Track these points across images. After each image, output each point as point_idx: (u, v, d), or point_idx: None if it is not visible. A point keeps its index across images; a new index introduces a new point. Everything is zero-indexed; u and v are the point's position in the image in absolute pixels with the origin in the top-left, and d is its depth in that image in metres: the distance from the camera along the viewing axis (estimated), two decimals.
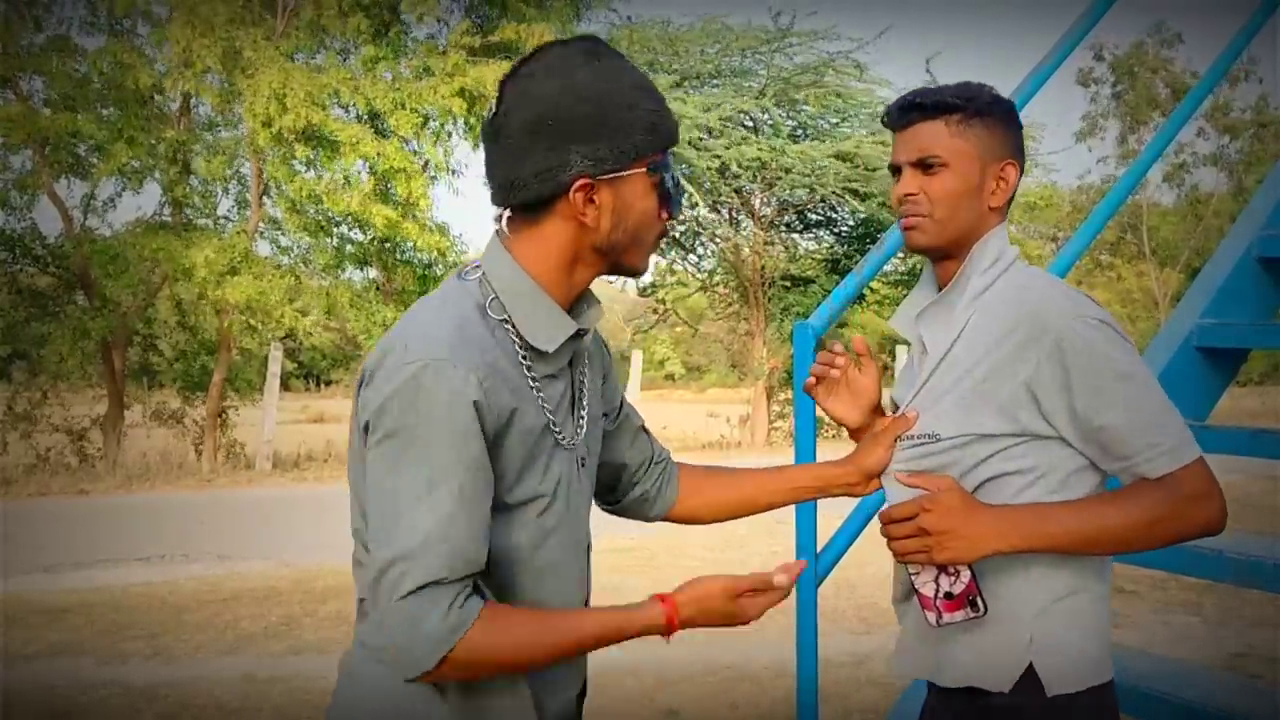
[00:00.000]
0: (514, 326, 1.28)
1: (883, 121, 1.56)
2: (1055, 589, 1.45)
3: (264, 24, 12.82)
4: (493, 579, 1.29)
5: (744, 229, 17.96)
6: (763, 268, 17.69)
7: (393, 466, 1.19)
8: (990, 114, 1.49)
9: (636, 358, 18.14)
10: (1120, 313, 29.61)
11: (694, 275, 19.23)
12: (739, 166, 15.56)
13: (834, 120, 16.74)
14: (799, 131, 16.50)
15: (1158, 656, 2.51)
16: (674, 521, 1.67)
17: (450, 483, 1.18)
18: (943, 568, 1.40)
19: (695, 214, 17.18)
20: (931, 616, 1.43)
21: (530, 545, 1.31)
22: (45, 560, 7.47)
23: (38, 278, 14.03)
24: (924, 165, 1.48)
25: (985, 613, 1.40)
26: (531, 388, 1.29)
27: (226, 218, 14.84)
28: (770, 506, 1.64)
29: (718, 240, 18.30)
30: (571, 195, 1.25)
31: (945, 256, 1.53)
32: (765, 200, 17.27)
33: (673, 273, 19.72)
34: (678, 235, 18.23)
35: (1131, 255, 30.12)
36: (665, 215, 1.32)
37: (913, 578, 1.44)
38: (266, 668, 4.83)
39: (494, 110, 1.27)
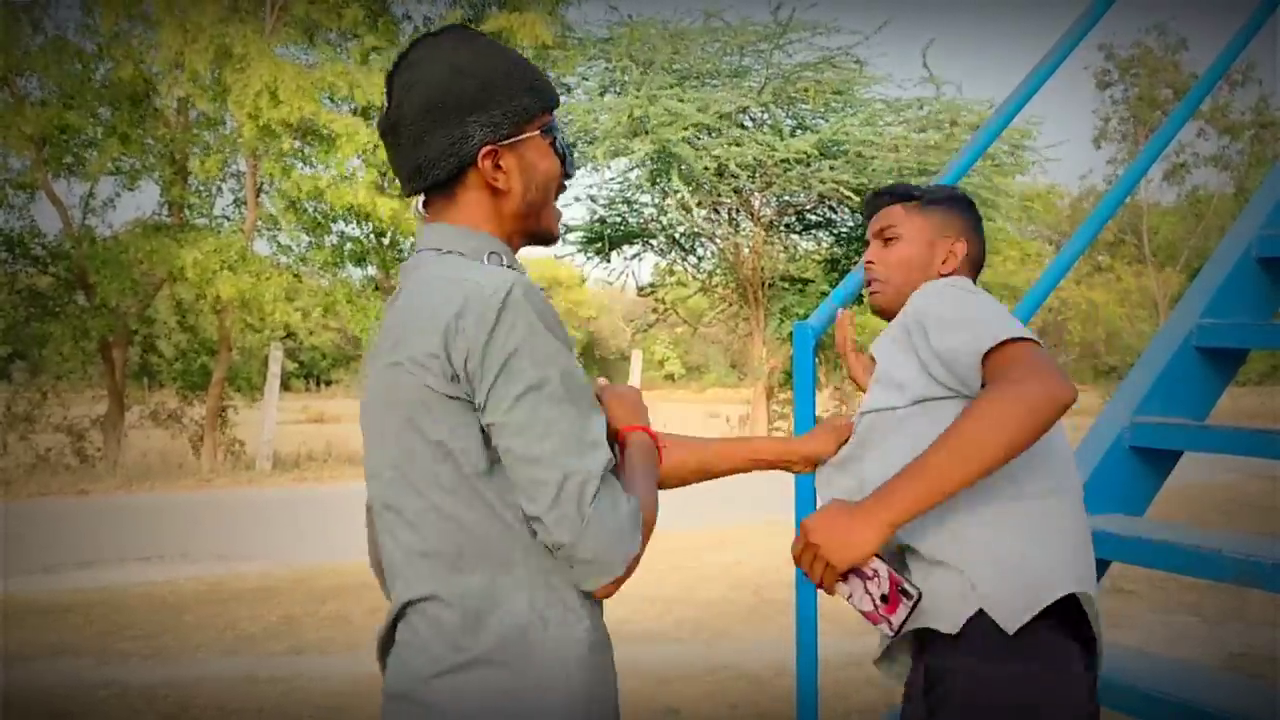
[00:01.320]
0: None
1: (861, 212, 1.90)
2: (979, 532, 1.51)
3: (254, 21, 12.81)
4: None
5: (743, 229, 17.98)
6: (762, 268, 17.70)
7: (533, 391, 1.21)
8: (944, 204, 1.77)
9: (636, 357, 18.11)
10: (1120, 313, 29.60)
11: (693, 275, 19.25)
12: (737, 166, 15.57)
13: (832, 120, 16.76)
14: (798, 131, 16.51)
15: (1157, 656, 2.51)
16: None
17: (579, 386, 1.25)
18: (861, 575, 1.46)
19: (694, 214, 17.19)
20: (885, 628, 1.47)
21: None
22: (45, 560, 7.47)
23: (37, 278, 14.04)
24: (884, 238, 1.78)
25: (919, 595, 1.44)
26: None
27: (225, 217, 14.85)
28: (730, 473, 1.72)
29: (717, 241, 18.31)
30: (480, 163, 1.32)
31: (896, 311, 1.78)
32: (764, 201, 17.28)
33: (672, 273, 19.74)
34: (677, 236, 18.25)
35: (1131, 256, 30.13)
36: (564, 174, 1.40)
37: (851, 603, 1.49)
38: (266, 668, 4.83)
39: (386, 106, 1.34)
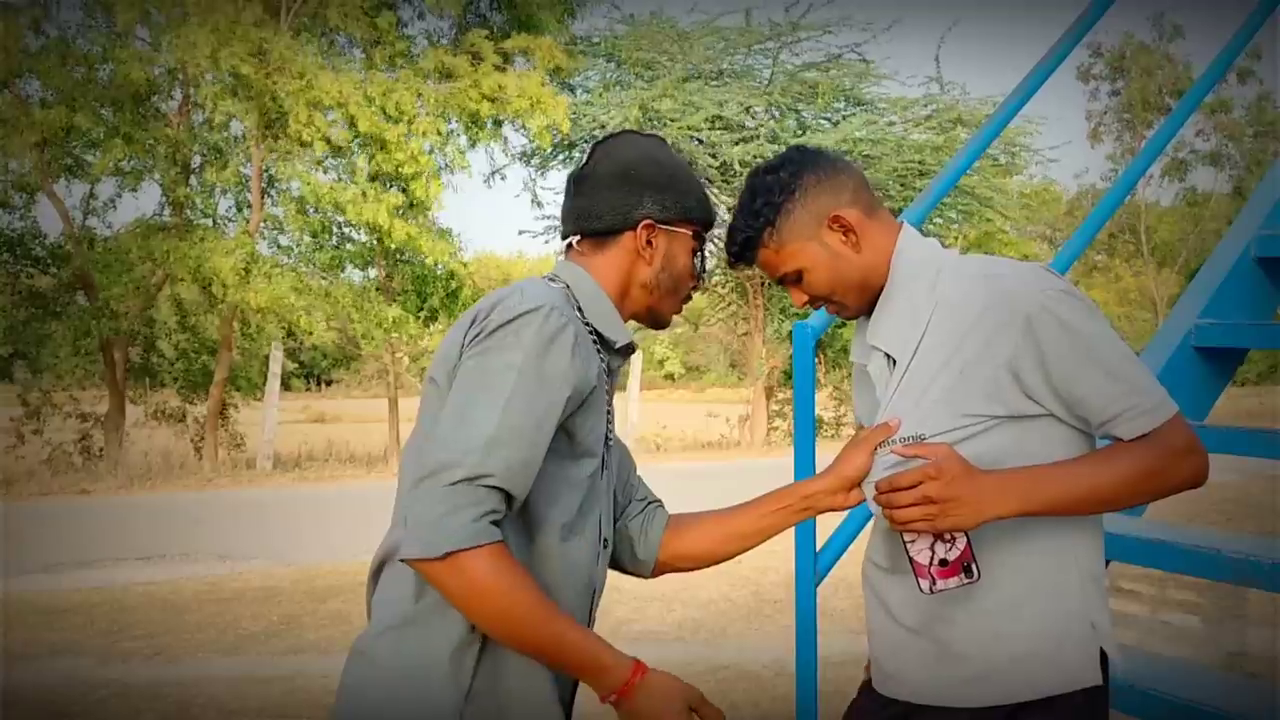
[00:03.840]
0: (595, 329, 1.48)
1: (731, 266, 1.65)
2: (1092, 565, 1.48)
3: (267, 25, 12.81)
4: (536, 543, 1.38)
5: None
6: None
7: (479, 374, 1.32)
8: (783, 207, 1.51)
9: (636, 357, 18.13)
10: (1118, 312, 29.61)
11: None
12: (740, 165, 15.57)
13: (836, 120, 16.76)
14: (802, 131, 16.51)
15: (1156, 655, 2.52)
16: (665, 570, 1.68)
17: (526, 403, 1.30)
18: (939, 534, 1.40)
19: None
20: (925, 584, 1.42)
21: (563, 530, 1.40)
22: (46, 560, 7.48)
23: (38, 278, 14.05)
24: (788, 282, 1.57)
25: (979, 579, 1.41)
26: (606, 378, 1.48)
27: (227, 218, 14.87)
28: (762, 535, 1.66)
29: (716, 241, 18.31)
30: (638, 231, 1.51)
31: (872, 301, 1.55)
32: None
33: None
34: None
35: (1129, 255, 30.13)
36: (694, 281, 1.59)
37: (908, 545, 1.43)
38: (267, 667, 4.84)
39: (583, 163, 1.56)
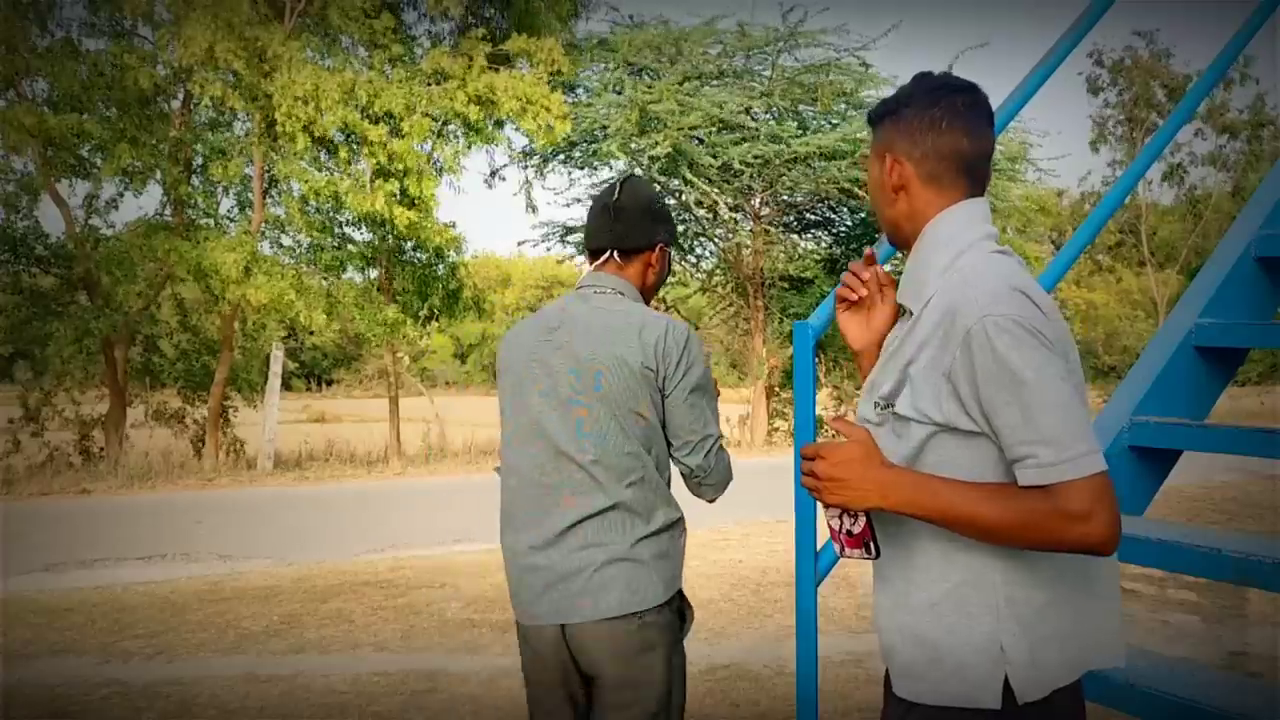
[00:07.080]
0: None
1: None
2: (1025, 593, 1.45)
3: (270, 24, 12.81)
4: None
5: (744, 229, 17.98)
6: (762, 268, 17.71)
7: (697, 390, 2.14)
8: (895, 111, 1.57)
9: None
10: (1120, 313, 29.60)
11: (693, 275, 19.26)
12: (741, 164, 15.58)
13: (835, 120, 16.76)
14: (801, 132, 16.52)
15: (1156, 655, 2.51)
16: None
17: (713, 387, 2.20)
18: (843, 508, 1.50)
19: (697, 214, 17.19)
20: (837, 548, 1.55)
21: None
22: (47, 559, 7.48)
23: (40, 278, 14.04)
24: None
25: (877, 557, 1.51)
26: None
27: (229, 218, 14.86)
28: None
29: (717, 241, 18.33)
30: (657, 251, 2.25)
31: (904, 245, 1.62)
32: (765, 200, 17.28)
33: (673, 273, 19.72)
34: (675, 235, 18.29)
35: (1132, 259, 30.12)
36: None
37: (825, 509, 1.54)
38: (267, 667, 4.84)
39: (616, 196, 2.22)
